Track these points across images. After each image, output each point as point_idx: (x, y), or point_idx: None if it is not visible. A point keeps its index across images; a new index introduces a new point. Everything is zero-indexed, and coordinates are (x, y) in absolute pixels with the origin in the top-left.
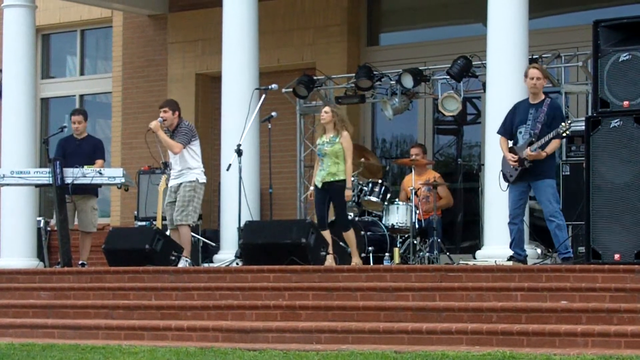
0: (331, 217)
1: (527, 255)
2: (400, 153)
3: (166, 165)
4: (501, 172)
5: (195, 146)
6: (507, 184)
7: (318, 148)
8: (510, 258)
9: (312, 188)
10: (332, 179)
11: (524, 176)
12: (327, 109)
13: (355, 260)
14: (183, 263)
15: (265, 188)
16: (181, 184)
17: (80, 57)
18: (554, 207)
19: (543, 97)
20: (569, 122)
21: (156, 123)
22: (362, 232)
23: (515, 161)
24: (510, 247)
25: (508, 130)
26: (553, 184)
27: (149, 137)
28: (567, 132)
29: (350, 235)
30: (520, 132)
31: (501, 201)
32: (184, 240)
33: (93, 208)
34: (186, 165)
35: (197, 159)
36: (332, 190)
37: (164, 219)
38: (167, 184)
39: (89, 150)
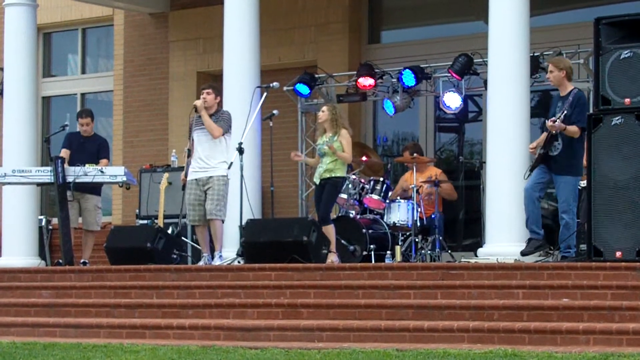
0: (333, 214)
1: (544, 236)
2: (401, 151)
3: (189, 153)
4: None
5: (229, 138)
6: (528, 172)
7: (318, 147)
8: (529, 241)
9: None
10: (328, 175)
11: (547, 164)
12: (324, 108)
13: (331, 257)
14: (218, 259)
15: (267, 186)
16: (211, 176)
17: (82, 56)
18: (568, 205)
19: (570, 88)
20: (559, 116)
21: (201, 102)
22: (364, 230)
23: (533, 149)
24: (527, 225)
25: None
26: (574, 182)
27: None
28: (554, 127)
29: (329, 229)
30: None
31: (503, 199)
32: (219, 235)
33: (97, 207)
34: (215, 157)
35: (226, 152)
36: (326, 185)
37: (170, 217)
38: (169, 182)
39: (93, 149)
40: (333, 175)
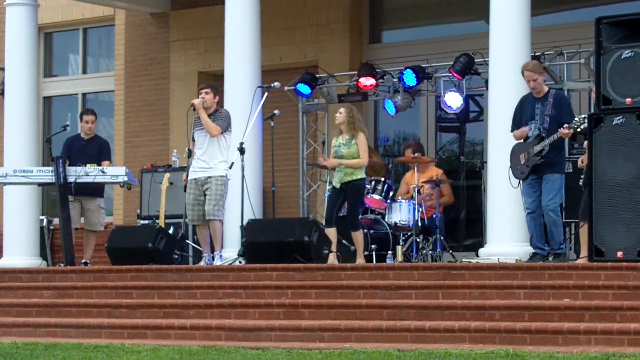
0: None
1: (548, 251)
2: (403, 151)
3: (190, 154)
4: (510, 168)
5: (228, 137)
6: (517, 180)
7: (334, 150)
8: (533, 255)
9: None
10: (349, 179)
11: (536, 170)
12: (341, 109)
13: (359, 261)
14: (218, 260)
15: (268, 186)
16: (210, 177)
17: (83, 56)
18: (554, 202)
19: (546, 89)
20: (582, 116)
21: (199, 101)
22: (365, 230)
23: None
24: (531, 243)
25: (519, 125)
26: (561, 179)
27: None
28: (582, 127)
29: (358, 236)
30: (530, 128)
31: (504, 199)
32: (218, 235)
33: (99, 207)
34: (214, 156)
35: (226, 152)
36: (348, 189)
37: (172, 217)
38: (170, 182)
39: (94, 151)
40: (354, 178)
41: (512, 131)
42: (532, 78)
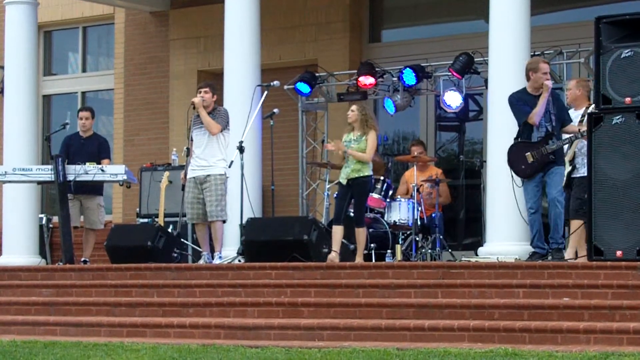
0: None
1: (549, 250)
2: (402, 150)
3: (188, 152)
4: (511, 168)
5: (227, 135)
6: (521, 179)
7: (345, 145)
8: (532, 254)
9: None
10: (356, 175)
11: (541, 167)
12: (353, 107)
13: (359, 260)
14: (217, 260)
15: (268, 185)
16: (209, 175)
17: (82, 54)
18: (560, 193)
19: None
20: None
21: (199, 99)
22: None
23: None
24: (532, 242)
25: (529, 111)
26: (563, 172)
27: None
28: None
29: (361, 233)
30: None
31: (503, 198)
32: (219, 236)
33: (99, 205)
34: (213, 155)
35: (224, 150)
36: (355, 185)
37: (171, 215)
38: (169, 181)
39: (93, 149)
40: (361, 175)
41: (525, 119)
42: (546, 71)
